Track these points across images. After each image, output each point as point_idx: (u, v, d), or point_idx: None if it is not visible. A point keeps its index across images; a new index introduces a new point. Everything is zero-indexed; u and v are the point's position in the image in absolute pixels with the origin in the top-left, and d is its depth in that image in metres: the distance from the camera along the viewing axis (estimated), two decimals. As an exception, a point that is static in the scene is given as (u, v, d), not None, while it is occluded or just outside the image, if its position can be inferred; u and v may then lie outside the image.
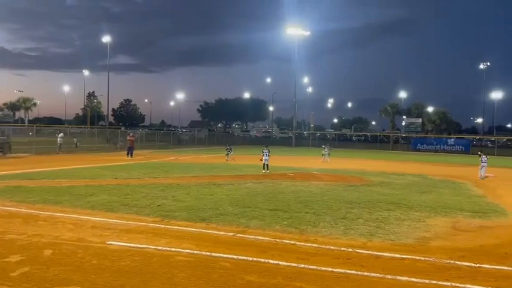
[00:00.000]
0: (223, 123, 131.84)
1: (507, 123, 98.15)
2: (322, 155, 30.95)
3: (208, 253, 6.77)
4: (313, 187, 15.77)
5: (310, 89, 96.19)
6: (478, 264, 6.67)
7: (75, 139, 39.29)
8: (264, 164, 21.02)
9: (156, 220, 9.28)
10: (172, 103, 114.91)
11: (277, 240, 7.80)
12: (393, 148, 65.22)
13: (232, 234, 8.17)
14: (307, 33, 66.57)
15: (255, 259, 6.51)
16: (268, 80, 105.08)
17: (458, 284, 5.74)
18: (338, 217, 10.07)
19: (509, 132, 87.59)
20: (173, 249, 6.95)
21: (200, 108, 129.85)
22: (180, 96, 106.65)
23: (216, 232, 8.29)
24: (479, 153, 22.79)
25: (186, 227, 8.68)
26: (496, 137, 73.49)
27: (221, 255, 6.67)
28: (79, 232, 8.05)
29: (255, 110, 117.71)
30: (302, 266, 6.28)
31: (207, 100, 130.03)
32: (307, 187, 15.67)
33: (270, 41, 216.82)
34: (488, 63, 73.40)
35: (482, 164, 21.35)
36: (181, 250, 6.92)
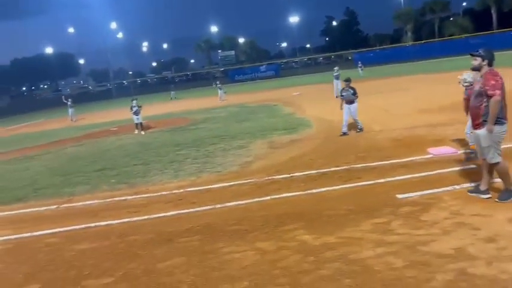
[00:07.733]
0: (26, 86, 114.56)
1: (306, 44, 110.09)
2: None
3: (29, 234, 6.14)
4: (139, 137, 15.45)
5: (120, 35, 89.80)
6: (290, 175, 7.65)
7: None
8: (136, 123, 16.85)
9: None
10: None
11: (107, 200, 7.53)
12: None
13: (55, 207, 7.54)
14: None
15: (84, 226, 6.19)
16: (71, 30, 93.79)
17: (276, 196, 6.52)
18: (167, 162, 10.17)
19: (307, 52, 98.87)
20: (-15, 242, 6.10)
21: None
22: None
23: (36, 209, 7.51)
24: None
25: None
26: (299, 58, 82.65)
27: (46, 232, 6.13)
28: None
29: (64, 65, 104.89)
30: (135, 219, 6.25)
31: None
32: (134, 138, 15.28)
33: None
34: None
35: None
36: (-5, 240, 6.13)
